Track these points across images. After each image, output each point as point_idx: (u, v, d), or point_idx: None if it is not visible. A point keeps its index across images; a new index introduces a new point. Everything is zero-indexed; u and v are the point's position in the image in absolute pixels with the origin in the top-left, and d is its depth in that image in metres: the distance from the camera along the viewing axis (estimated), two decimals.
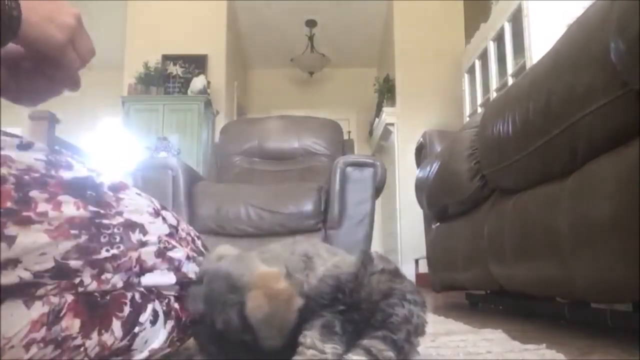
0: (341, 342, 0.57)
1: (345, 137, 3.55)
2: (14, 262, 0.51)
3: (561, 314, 1.42)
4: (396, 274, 0.68)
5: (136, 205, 0.66)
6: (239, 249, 0.71)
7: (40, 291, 0.54)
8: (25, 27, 0.53)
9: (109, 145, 5.72)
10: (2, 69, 0.63)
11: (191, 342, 0.79)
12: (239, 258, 0.61)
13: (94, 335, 0.59)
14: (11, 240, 0.50)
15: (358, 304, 0.61)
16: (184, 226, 0.75)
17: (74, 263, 0.56)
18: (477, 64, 4.08)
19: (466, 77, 4.38)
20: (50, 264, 0.54)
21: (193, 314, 0.59)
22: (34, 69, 0.64)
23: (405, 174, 4.60)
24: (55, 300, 0.55)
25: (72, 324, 0.56)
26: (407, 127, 4.93)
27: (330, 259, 0.66)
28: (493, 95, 3.63)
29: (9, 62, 0.63)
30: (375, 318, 0.62)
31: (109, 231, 0.60)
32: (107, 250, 0.60)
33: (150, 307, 0.66)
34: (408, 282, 0.69)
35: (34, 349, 0.54)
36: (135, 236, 0.64)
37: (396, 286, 0.66)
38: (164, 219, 0.70)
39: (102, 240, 0.59)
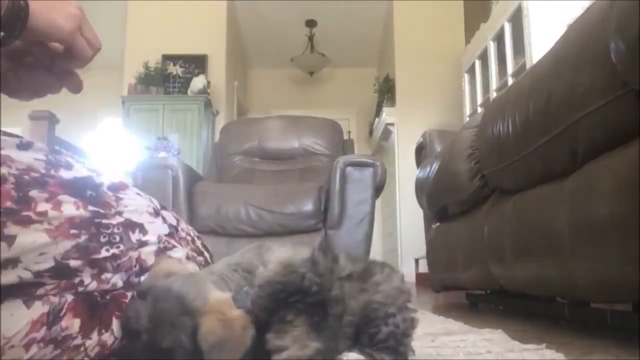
0: (295, 327, 0.55)
1: (345, 137, 3.55)
2: (14, 262, 0.51)
3: (561, 314, 1.42)
4: (365, 276, 0.65)
5: (136, 205, 0.66)
6: (186, 264, 0.69)
7: (40, 291, 0.54)
8: (33, 20, 0.54)
9: (109, 145, 5.72)
10: (4, 61, 0.63)
11: None
12: (190, 279, 0.58)
13: (94, 334, 0.59)
14: (11, 239, 0.50)
15: (318, 289, 0.58)
16: (183, 226, 0.76)
17: (73, 263, 0.56)
18: (477, 63, 4.08)
19: (466, 77, 4.38)
20: (50, 264, 0.54)
21: (130, 330, 0.56)
22: (43, 65, 0.64)
23: (405, 174, 4.60)
24: (55, 299, 0.55)
25: (72, 324, 0.56)
26: (407, 127, 4.93)
27: (280, 256, 0.62)
28: (493, 95, 3.62)
29: (11, 55, 0.63)
30: (361, 341, 0.63)
31: (109, 231, 0.60)
32: (107, 250, 0.60)
33: None
34: (381, 278, 0.65)
35: (34, 349, 0.54)
36: (135, 236, 0.64)
37: (372, 299, 0.63)
38: (163, 218, 0.70)
39: (102, 240, 0.59)
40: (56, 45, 0.60)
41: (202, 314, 0.54)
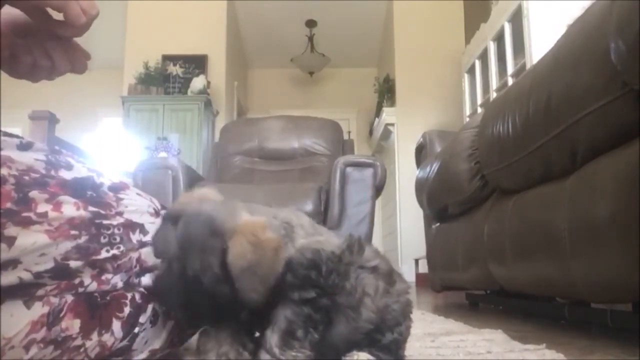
0: (302, 347, 0.56)
1: (345, 137, 3.55)
2: (14, 263, 0.51)
3: (561, 314, 1.42)
4: (390, 280, 0.67)
5: (136, 206, 0.66)
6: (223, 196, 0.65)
7: (40, 291, 0.54)
8: None
9: (109, 145, 5.72)
10: (11, 36, 0.63)
11: (191, 342, 0.79)
12: (223, 204, 0.55)
13: (94, 335, 0.59)
14: (11, 241, 0.50)
15: (332, 290, 0.60)
16: None
17: (74, 263, 0.56)
18: (477, 64, 4.07)
19: (466, 77, 4.38)
20: (50, 265, 0.54)
21: (160, 254, 0.54)
22: (44, 35, 0.64)
23: (405, 174, 4.60)
24: (55, 300, 0.55)
25: (72, 325, 0.56)
26: (407, 127, 4.93)
27: (314, 235, 0.63)
28: (493, 95, 3.62)
29: (16, 30, 0.63)
30: (362, 342, 0.64)
31: (109, 231, 0.60)
32: (107, 251, 0.60)
33: (150, 307, 0.66)
34: (400, 285, 0.69)
35: (34, 350, 0.53)
36: (136, 236, 0.64)
37: (392, 306, 0.66)
38: None
39: (102, 240, 0.59)
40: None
41: (232, 236, 0.51)
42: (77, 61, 0.67)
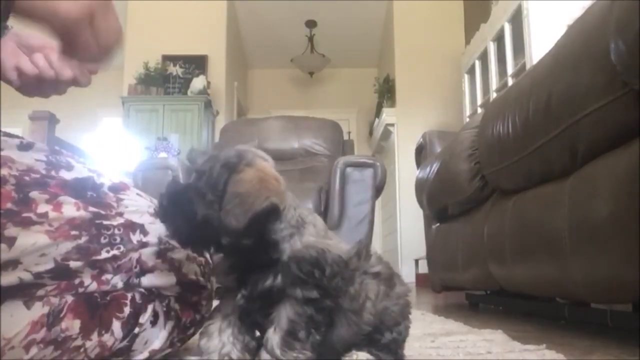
0: (304, 348, 0.57)
1: (345, 137, 3.54)
2: (14, 263, 0.51)
3: (561, 314, 1.42)
4: (390, 283, 0.69)
5: (137, 206, 0.66)
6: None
7: (41, 292, 0.54)
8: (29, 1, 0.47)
9: (109, 146, 5.72)
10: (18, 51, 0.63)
11: (191, 342, 0.79)
12: (255, 154, 0.62)
13: (94, 335, 0.59)
14: (11, 241, 0.50)
15: (335, 293, 0.60)
16: None
17: (74, 264, 0.56)
18: (477, 64, 4.07)
19: (466, 77, 4.38)
20: (50, 265, 0.54)
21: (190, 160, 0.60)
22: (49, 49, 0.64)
23: (405, 174, 4.60)
24: (55, 300, 0.55)
25: (72, 325, 0.56)
26: (407, 127, 4.92)
27: (324, 237, 0.64)
28: (493, 95, 3.62)
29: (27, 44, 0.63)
30: (363, 342, 0.66)
31: (110, 232, 0.60)
32: (108, 251, 0.60)
33: (150, 307, 0.66)
34: (399, 288, 0.70)
35: (34, 350, 0.54)
36: (136, 237, 0.64)
37: (392, 308, 0.67)
38: None
39: (103, 241, 0.59)
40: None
41: (249, 166, 0.57)
42: (82, 75, 0.66)
